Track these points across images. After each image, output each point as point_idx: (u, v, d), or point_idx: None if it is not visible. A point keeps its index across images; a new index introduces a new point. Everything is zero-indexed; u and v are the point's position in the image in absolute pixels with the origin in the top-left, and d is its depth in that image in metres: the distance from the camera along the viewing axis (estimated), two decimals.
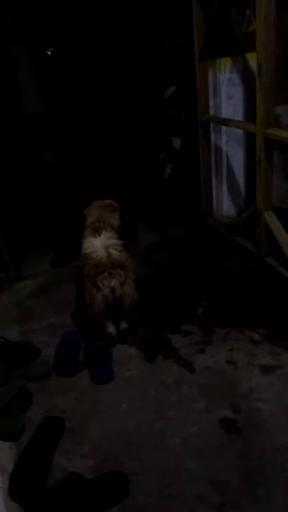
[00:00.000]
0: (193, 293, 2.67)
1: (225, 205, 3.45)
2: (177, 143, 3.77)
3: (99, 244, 2.06)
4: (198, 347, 2.21)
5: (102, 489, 1.51)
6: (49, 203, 3.71)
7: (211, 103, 3.18)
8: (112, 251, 2.05)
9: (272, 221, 2.64)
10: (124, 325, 2.28)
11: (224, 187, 3.39)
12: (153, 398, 1.91)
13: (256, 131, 2.53)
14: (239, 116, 3.13)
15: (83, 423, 1.82)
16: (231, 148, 3.26)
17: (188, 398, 1.90)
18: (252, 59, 2.86)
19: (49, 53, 3.90)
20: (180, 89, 3.48)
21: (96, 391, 1.99)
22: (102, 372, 2.06)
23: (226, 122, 3.01)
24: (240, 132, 3.16)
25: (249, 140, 3.12)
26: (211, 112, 3.20)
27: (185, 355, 2.16)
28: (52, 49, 3.90)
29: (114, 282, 2.06)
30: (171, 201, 3.80)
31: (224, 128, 3.19)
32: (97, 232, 2.20)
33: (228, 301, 2.55)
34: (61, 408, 1.91)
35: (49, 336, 2.39)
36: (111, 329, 2.22)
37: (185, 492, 1.49)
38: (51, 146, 3.87)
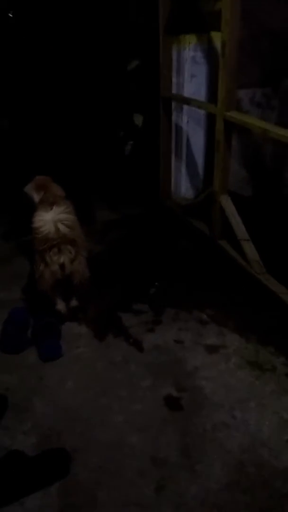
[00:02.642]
0: (147, 272, 2.68)
1: (183, 186, 3.45)
2: (139, 119, 3.69)
3: (49, 218, 2.00)
4: (148, 326, 2.23)
5: (43, 466, 1.51)
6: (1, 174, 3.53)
7: (174, 80, 3.12)
8: (61, 226, 1.99)
9: (228, 205, 2.67)
10: (74, 302, 2.25)
11: (183, 168, 3.39)
12: (100, 376, 1.92)
13: (216, 113, 2.52)
14: (201, 96, 3.10)
15: (27, 400, 1.79)
16: (191, 128, 3.24)
17: (135, 376, 1.92)
18: (217, 39, 2.82)
19: (11, 15, 3.65)
20: (143, 63, 3.39)
21: (43, 369, 1.96)
22: (50, 349, 2.03)
23: (188, 101, 2.97)
24: (201, 112, 3.14)
25: (210, 121, 3.11)
26: (174, 90, 3.15)
27: (135, 334, 2.18)
28: (13, 12, 3.66)
29: (63, 259, 2.02)
30: (130, 179, 3.74)
31: (185, 107, 3.16)
32: (51, 206, 2.13)
33: (180, 282, 2.57)
34: (5, 385, 1.87)
35: None
36: (61, 306, 2.19)
37: (125, 468, 1.52)
38: (7, 113, 3.66)
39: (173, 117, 3.24)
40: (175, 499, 1.42)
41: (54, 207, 2.06)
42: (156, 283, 2.56)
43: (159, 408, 1.75)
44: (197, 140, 3.28)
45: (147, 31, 3.26)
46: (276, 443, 1.58)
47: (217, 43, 2.83)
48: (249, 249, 2.51)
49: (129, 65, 3.50)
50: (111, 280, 2.60)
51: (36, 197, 2.39)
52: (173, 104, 3.19)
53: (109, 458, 1.56)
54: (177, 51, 3.02)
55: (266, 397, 1.78)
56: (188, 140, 3.28)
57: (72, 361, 2.01)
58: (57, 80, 3.56)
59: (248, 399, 1.77)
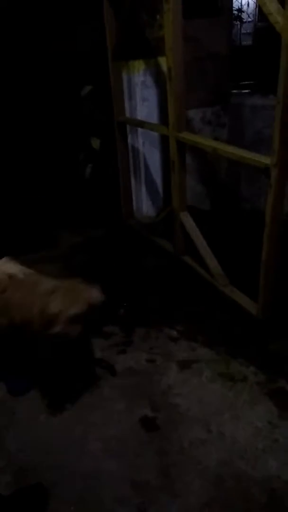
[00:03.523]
0: (114, 294, 2.68)
1: (144, 205, 3.50)
2: (96, 143, 3.74)
3: None
4: (119, 348, 2.23)
5: (20, 505, 1.46)
6: None
7: (126, 104, 3.20)
8: None
9: (187, 221, 2.74)
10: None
11: (143, 188, 3.45)
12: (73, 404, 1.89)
13: (169, 134, 2.60)
14: (154, 118, 3.19)
15: None
16: (148, 149, 3.32)
17: (109, 400, 1.90)
18: (164, 63, 2.92)
19: None
20: (96, 89, 3.46)
21: (13, 402, 1.91)
22: (19, 383, 1.98)
23: (141, 124, 3.05)
24: (156, 134, 3.23)
25: (165, 142, 3.20)
26: (127, 114, 3.22)
27: (106, 357, 2.16)
28: None
29: None
30: (92, 201, 3.77)
31: (140, 130, 3.24)
32: None
33: (148, 300, 2.59)
34: None
35: None
36: None
37: (105, 496, 1.49)
38: None
39: (129, 139, 3.31)
40: None
41: None
42: (124, 303, 2.57)
43: (135, 430, 1.74)
44: (154, 160, 3.36)
45: (97, 58, 3.34)
46: (252, 453, 1.61)
47: (165, 67, 2.94)
48: (212, 262, 2.57)
49: (82, 90, 3.56)
50: None
51: None
52: (128, 127, 3.26)
53: (87, 489, 1.53)
54: (128, 76, 3.11)
55: (239, 408, 1.81)
56: (145, 160, 3.35)
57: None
58: (14, 108, 3.57)
59: (222, 411, 1.79)
